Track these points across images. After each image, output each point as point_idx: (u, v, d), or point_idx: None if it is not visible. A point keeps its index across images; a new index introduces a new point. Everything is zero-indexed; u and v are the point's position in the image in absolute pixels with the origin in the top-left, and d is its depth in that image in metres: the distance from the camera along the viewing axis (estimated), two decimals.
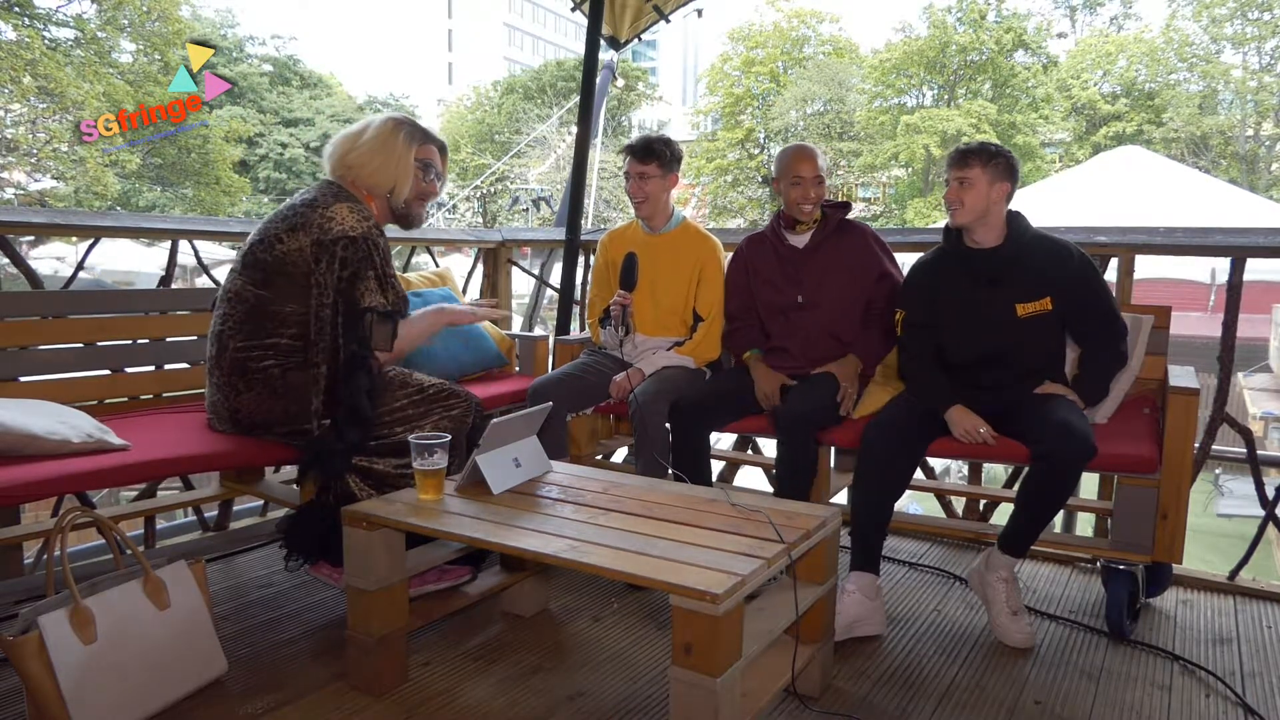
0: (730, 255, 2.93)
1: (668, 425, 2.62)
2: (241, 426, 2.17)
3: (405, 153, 2.27)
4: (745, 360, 2.74)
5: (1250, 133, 26.72)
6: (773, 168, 2.77)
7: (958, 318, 2.40)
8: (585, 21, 3.91)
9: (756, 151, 31.35)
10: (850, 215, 2.80)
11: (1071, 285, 2.33)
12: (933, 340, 2.45)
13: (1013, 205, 2.40)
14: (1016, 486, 2.37)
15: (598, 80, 4.28)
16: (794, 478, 2.45)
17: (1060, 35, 30.52)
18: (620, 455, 3.57)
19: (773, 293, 2.75)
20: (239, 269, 2.20)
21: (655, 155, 2.82)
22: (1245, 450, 2.69)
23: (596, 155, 17.62)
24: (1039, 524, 2.21)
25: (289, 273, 2.12)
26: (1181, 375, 2.36)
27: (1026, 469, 2.22)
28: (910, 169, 27.97)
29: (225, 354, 2.15)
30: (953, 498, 3.23)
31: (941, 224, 2.50)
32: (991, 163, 2.28)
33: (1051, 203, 11.02)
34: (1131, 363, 2.50)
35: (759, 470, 3.44)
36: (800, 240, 2.73)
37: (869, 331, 2.68)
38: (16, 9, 19.03)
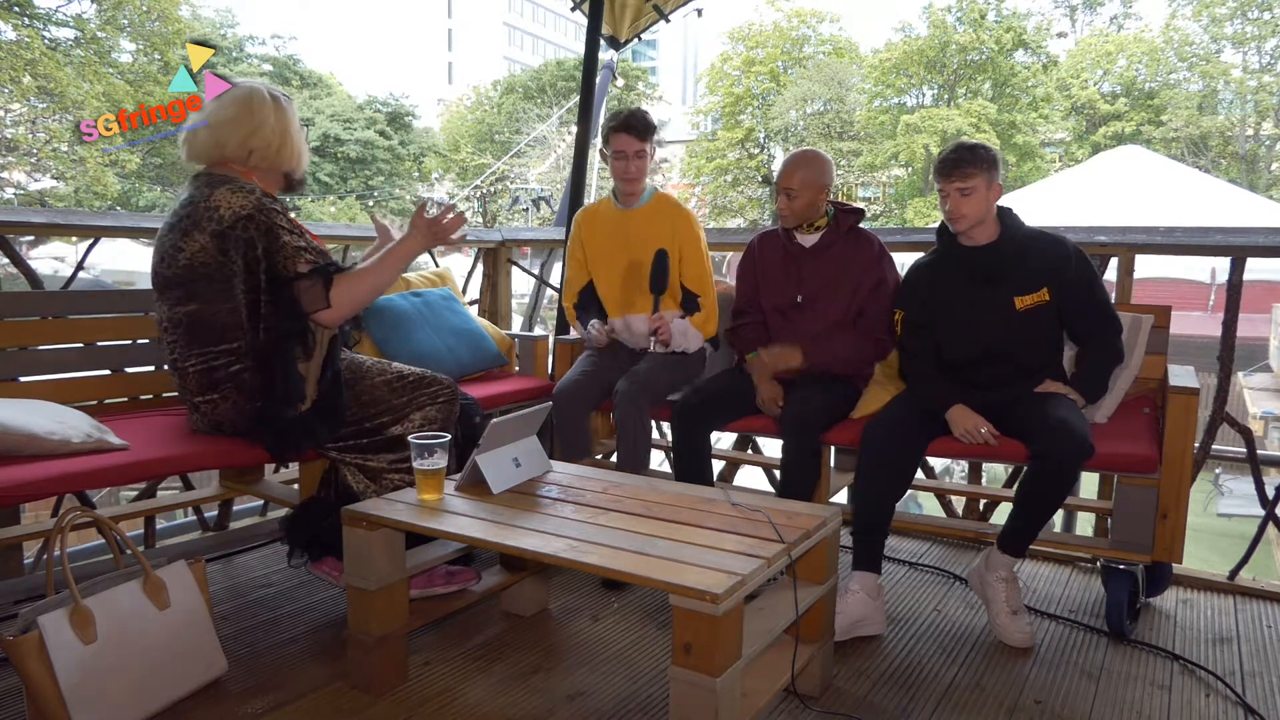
0: (740, 253, 2.94)
1: (666, 425, 2.63)
2: (227, 434, 2.15)
3: (295, 122, 2.20)
4: (748, 361, 2.74)
5: (1250, 133, 26.71)
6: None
7: (958, 315, 2.41)
8: (585, 21, 3.90)
9: (756, 151, 31.34)
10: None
11: (1068, 278, 2.34)
12: (933, 339, 2.45)
13: (1015, 205, 2.43)
14: (1016, 486, 2.37)
15: (598, 80, 4.27)
16: (799, 479, 2.44)
17: (1060, 35, 30.52)
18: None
19: (775, 290, 2.76)
20: (157, 298, 2.14)
21: (650, 131, 2.82)
22: (1245, 450, 2.69)
23: (596, 155, 17.59)
24: (1037, 524, 2.21)
25: (205, 275, 2.05)
26: (1181, 375, 2.36)
27: (1025, 468, 2.22)
28: (910, 169, 27.98)
29: (188, 379, 2.11)
30: (953, 497, 3.23)
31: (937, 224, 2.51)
32: (988, 168, 2.29)
33: (1051, 202, 11.03)
34: (1131, 362, 2.50)
35: (759, 470, 3.44)
36: (809, 240, 2.73)
37: (844, 333, 2.63)
38: (16, 9, 19.03)
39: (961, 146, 2.32)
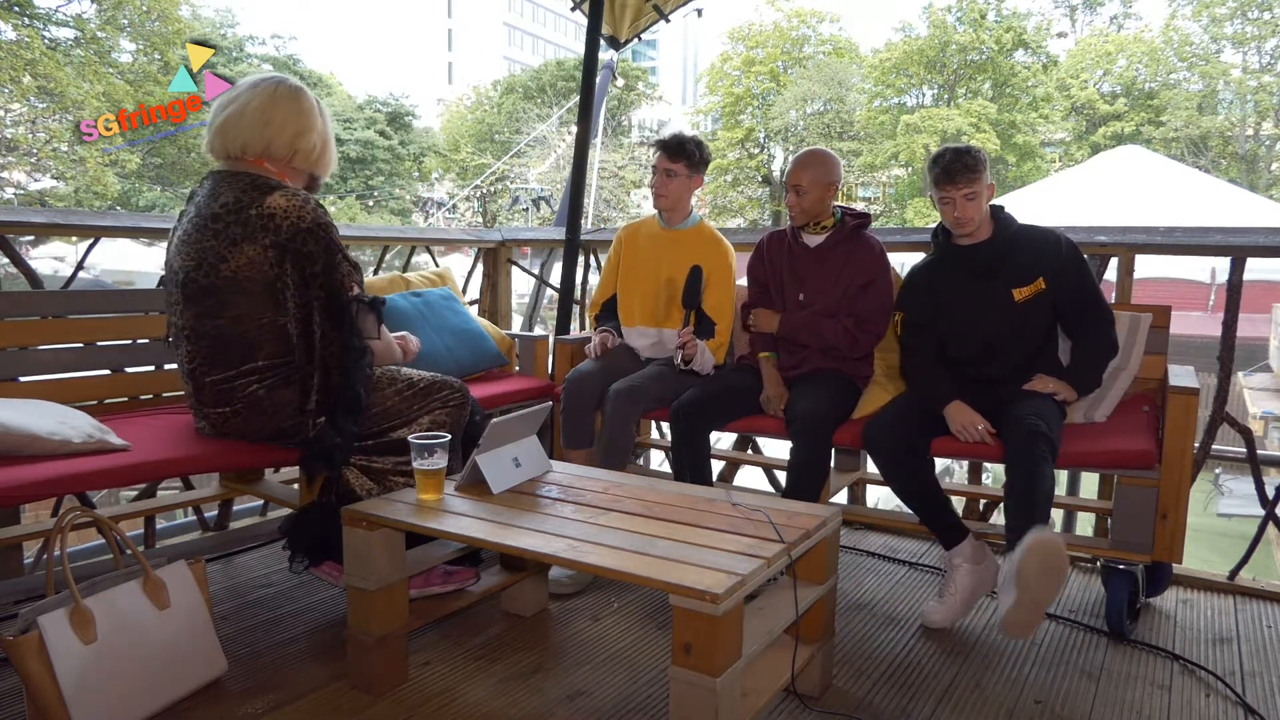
0: (747, 254, 2.97)
1: (666, 425, 2.64)
2: (233, 438, 2.14)
3: (332, 126, 2.17)
4: (760, 359, 2.74)
5: (1250, 133, 26.70)
6: None
7: (959, 311, 2.43)
8: (585, 21, 3.90)
9: (756, 151, 31.36)
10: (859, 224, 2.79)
11: (1061, 269, 2.36)
12: (933, 338, 2.47)
13: (1015, 205, 2.47)
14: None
15: (598, 80, 4.28)
16: (808, 480, 2.44)
17: (1060, 35, 30.54)
18: None
19: (780, 288, 2.78)
20: (179, 302, 2.05)
21: (685, 154, 2.90)
22: (1245, 450, 2.69)
23: (596, 155, 17.64)
24: (1027, 493, 2.09)
25: (246, 289, 1.98)
26: (1181, 375, 2.37)
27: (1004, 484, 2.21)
28: (910, 169, 27.97)
29: (204, 391, 2.07)
30: (953, 498, 3.22)
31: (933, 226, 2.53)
32: (984, 169, 2.32)
33: (1051, 202, 11.03)
34: (1131, 362, 2.50)
35: (759, 470, 3.44)
36: (814, 240, 2.74)
37: (833, 322, 2.65)
38: (16, 9, 19.02)
39: (958, 151, 2.32)
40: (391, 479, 2.16)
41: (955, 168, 2.29)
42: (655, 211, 3.07)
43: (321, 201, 2.09)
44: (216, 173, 2.09)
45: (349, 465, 2.16)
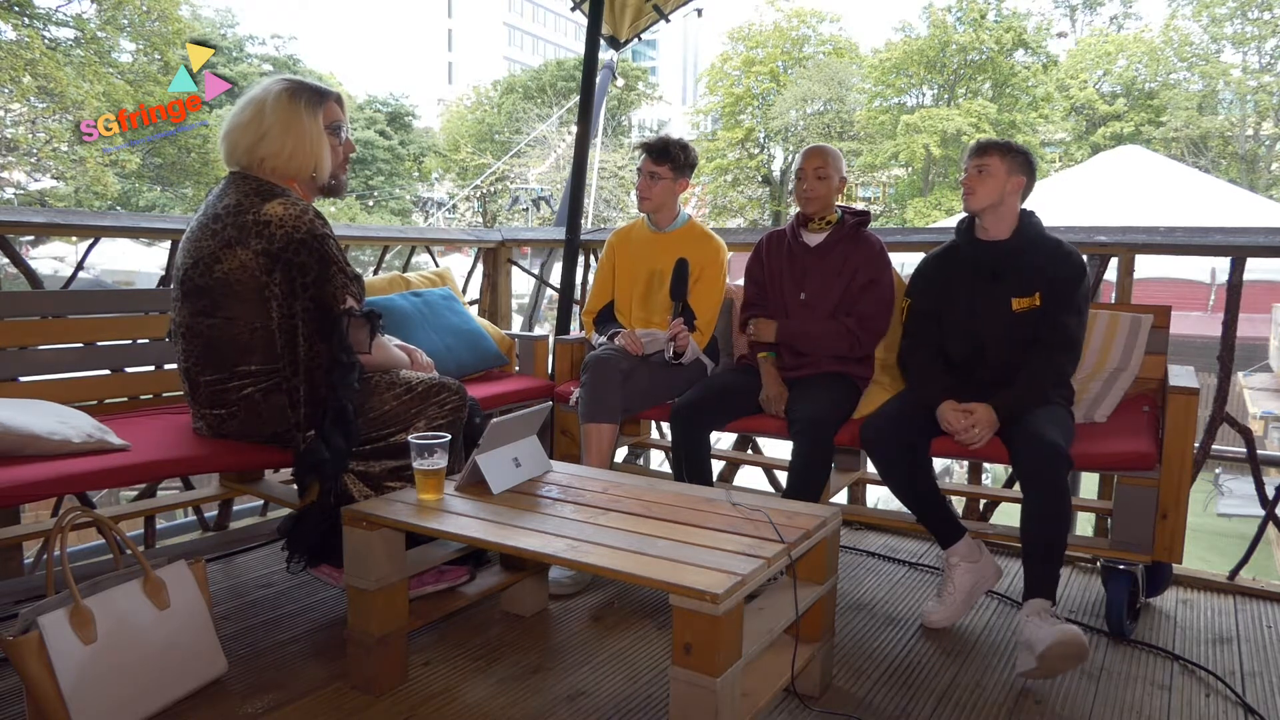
0: (748, 254, 2.96)
1: (666, 425, 2.64)
2: (231, 440, 2.14)
3: (314, 126, 2.08)
4: (759, 359, 2.74)
5: (1250, 133, 26.69)
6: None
7: (959, 308, 2.42)
8: (585, 21, 3.91)
9: (756, 151, 31.35)
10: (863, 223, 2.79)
11: (1058, 284, 2.32)
12: (936, 330, 2.46)
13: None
14: (1020, 529, 2.18)
15: (598, 80, 4.28)
16: (811, 480, 2.44)
17: (1060, 35, 30.51)
18: (620, 455, 3.57)
19: (779, 289, 2.77)
20: (179, 299, 2.06)
21: (669, 158, 2.90)
22: (1245, 450, 2.69)
23: (596, 155, 17.66)
24: (1053, 557, 2.09)
25: (237, 292, 1.99)
26: (1181, 375, 2.37)
27: (1021, 508, 2.15)
28: (910, 169, 27.97)
29: (199, 390, 2.08)
30: (953, 498, 3.23)
31: (942, 223, 2.52)
32: (1010, 155, 2.35)
33: (1051, 203, 11.01)
34: (1131, 362, 2.50)
35: (759, 470, 3.44)
36: (814, 239, 2.74)
37: (835, 327, 2.65)
38: (16, 9, 19.02)
39: (998, 138, 2.42)
40: (388, 485, 2.15)
41: (978, 142, 2.39)
42: (643, 215, 3.06)
43: (322, 212, 2.09)
44: (233, 173, 2.11)
45: (346, 471, 2.15)
